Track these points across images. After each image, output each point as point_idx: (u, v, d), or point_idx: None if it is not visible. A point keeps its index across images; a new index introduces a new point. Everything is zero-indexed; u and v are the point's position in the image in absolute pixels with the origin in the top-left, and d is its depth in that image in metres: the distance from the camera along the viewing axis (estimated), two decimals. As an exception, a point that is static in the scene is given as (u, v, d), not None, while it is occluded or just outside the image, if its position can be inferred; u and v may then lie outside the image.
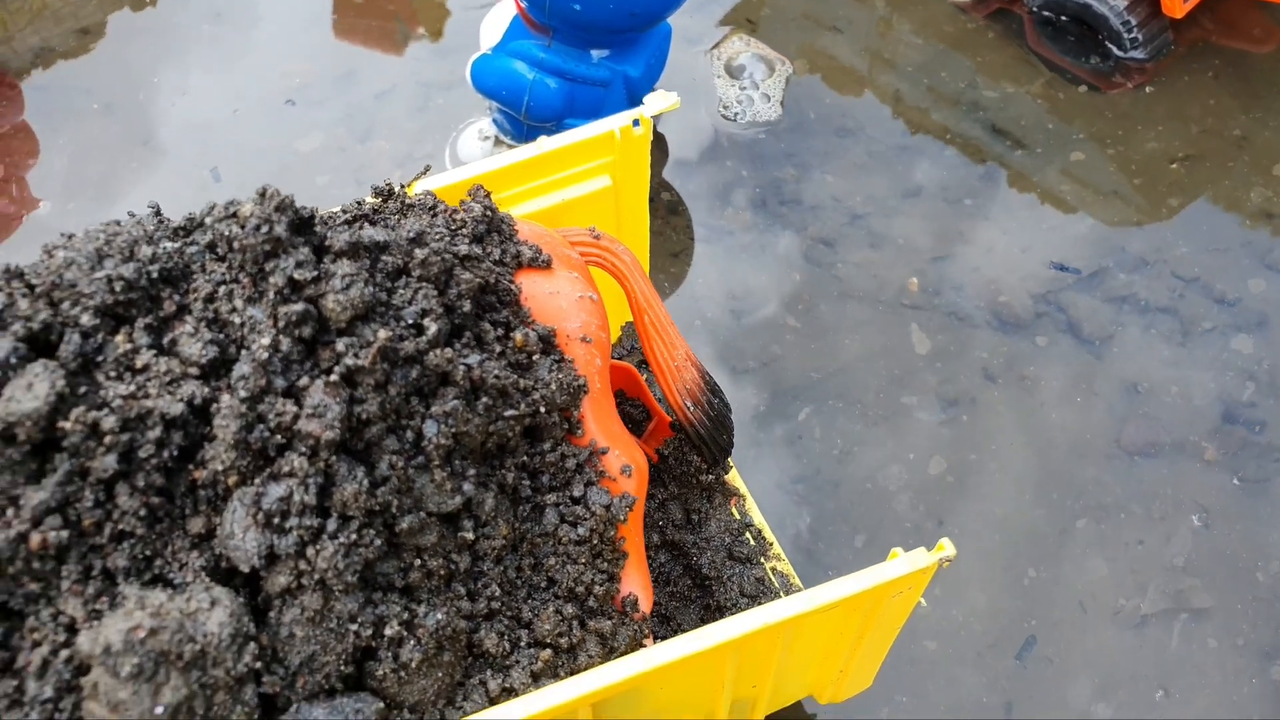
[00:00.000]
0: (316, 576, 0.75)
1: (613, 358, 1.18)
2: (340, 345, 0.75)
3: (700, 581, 1.19)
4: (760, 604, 1.02)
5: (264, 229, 0.75)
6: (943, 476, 1.55)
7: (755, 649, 0.94)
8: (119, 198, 1.90)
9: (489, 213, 0.95)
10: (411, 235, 0.84)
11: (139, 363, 0.76)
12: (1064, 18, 2.10)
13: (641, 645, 0.97)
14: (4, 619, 0.75)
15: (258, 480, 0.75)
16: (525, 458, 0.91)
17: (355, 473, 0.76)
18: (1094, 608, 1.44)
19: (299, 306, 0.74)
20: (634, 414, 1.25)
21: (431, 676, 0.82)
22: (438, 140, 1.97)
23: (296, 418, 0.74)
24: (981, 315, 1.72)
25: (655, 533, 1.19)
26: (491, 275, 0.90)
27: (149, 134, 1.99)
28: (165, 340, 0.78)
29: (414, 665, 0.80)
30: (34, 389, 0.72)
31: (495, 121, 1.88)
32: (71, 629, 0.75)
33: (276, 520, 0.74)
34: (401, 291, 0.81)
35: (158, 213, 0.89)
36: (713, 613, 1.17)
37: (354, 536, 0.76)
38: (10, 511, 0.73)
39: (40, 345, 0.77)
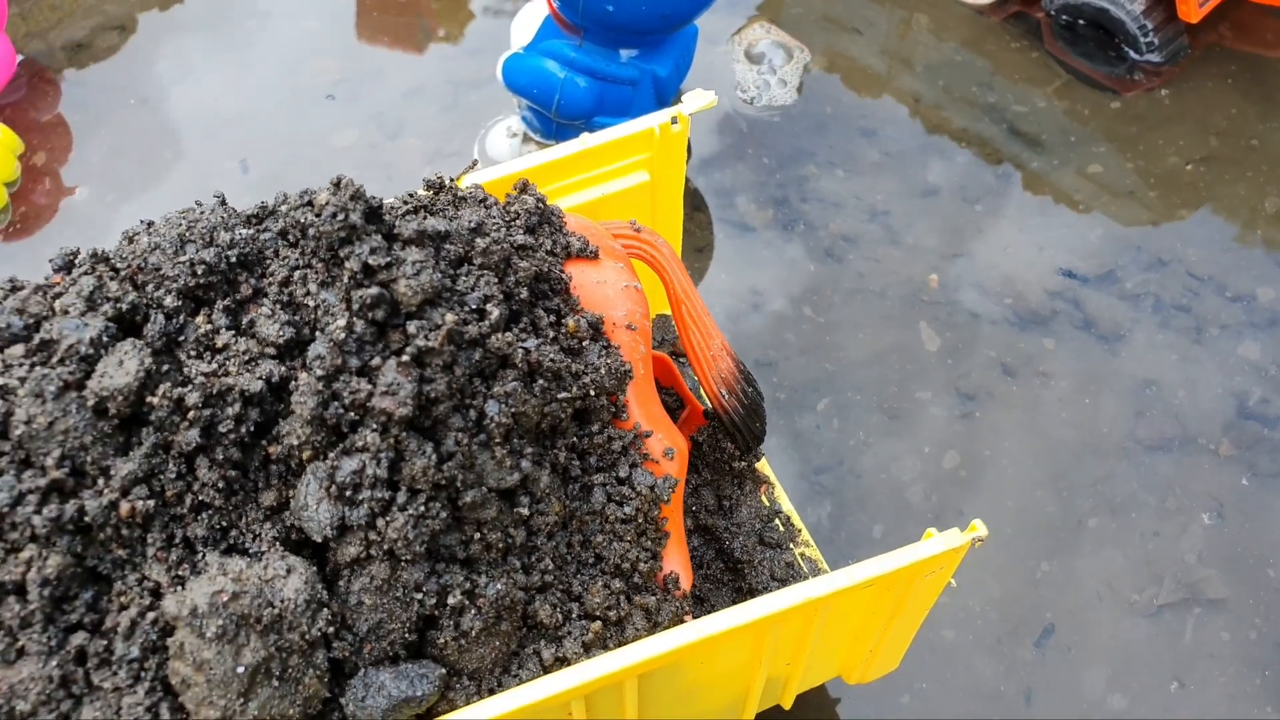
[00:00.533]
0: (385, 547, 0.80)
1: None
2: (411, 328, 0.79)
3: (732, 565, 1.23)
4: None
5: (340, 216, 0.79)
6: (956, 470, 1.59)
7: (793, 625, 0.98)
8: (150, 187, 1.94)
9: (541, 205, 0.99)
10: (472, 225, 0.88)
11: (219, 342, 0.80)
12: (1081, 21, 2.14)
13: (682, 621, 1.01)
14: (94, 583, 0.79)
15: (331, 455, 0.79)
16: (575, 439, 0.95)
17: (424, 448, 0.80)
18: (1110, 598, 1.47)
19: (373, 290, 0.78)
20: (669, 402, 1.29)
21: (490, 645, 0.86)
22: (466, 138, 2.01)
23: (370, 395, 0.78)
24: (998, 312, 1.76)
25: (689, 517, 1.23)
26: (544, 264, 0.94)
27: (180, 127, 2.03)
28: (243, 321, 0.82)
29: (474, 634, 0.84)
30: (124, 365, 0.76)
31: (524, 119, 1.92)
32: (156, 593, 0.79)
33: (349, 493, 0.78)
34: (464, 278, 0.86)
35: (223, 202, 0.93)
36: (744, 595, 1.21)
37: (422, 509, 0.80)
38: (102, 481, 0.77)
39: (126, 325, 0.81)
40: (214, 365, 0.79)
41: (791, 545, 1.27)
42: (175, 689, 0.77)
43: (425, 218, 0.88)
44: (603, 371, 0.94)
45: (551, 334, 0.92)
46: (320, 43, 2.19)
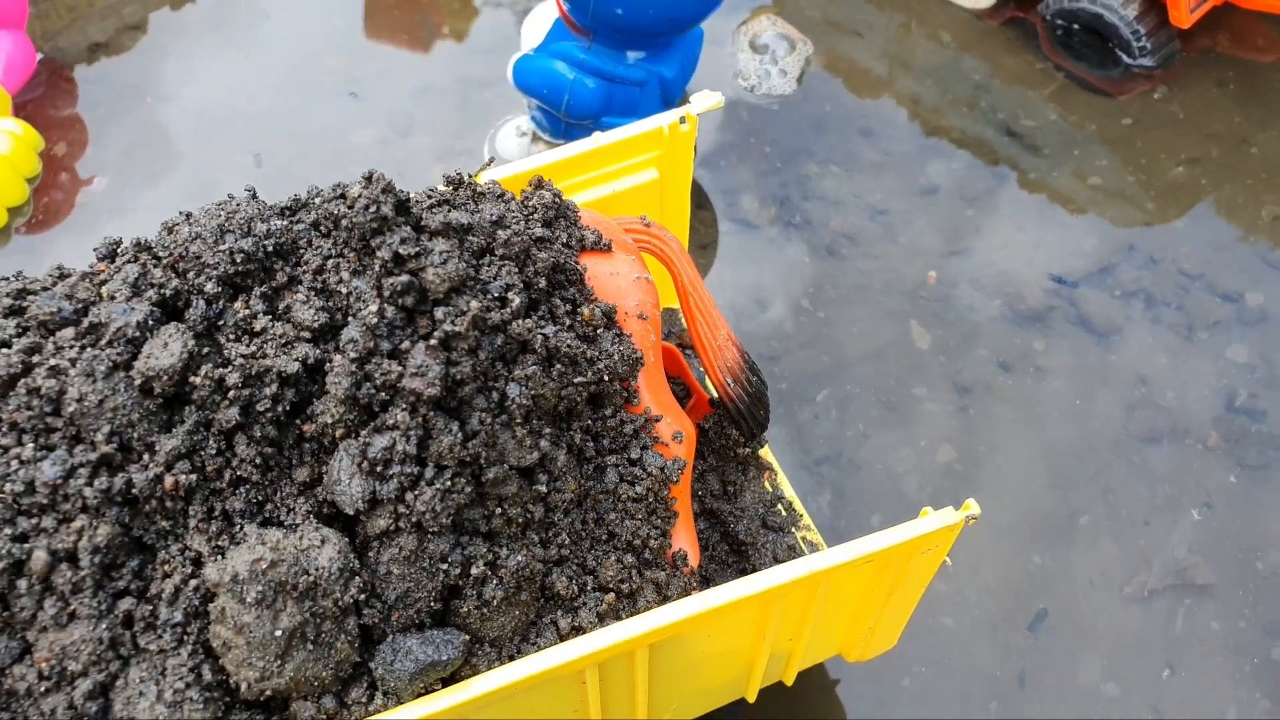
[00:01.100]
0: (414, 520, 0.84)
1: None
2: (439, 313, 0.84)
3: (736, 547, 1.28)
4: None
5: (372, 209, 0.84)
6: (952, 463, 1.63)
7: (796, 599, 1.03)
8: (164, 180, 1.99)
9: (558, 200, 1.04)
10: (494, 218, 0.93)
11: (257, 326, 0.85)
12: (1076, 26, 2.20)
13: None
14: (139, 552, 0.84)
15: (363, 433, 0.84)
16: (589, 422, 1.00)
17: (450, 427, 0.85)
18: (1103, 586, 1.51)
19: (404, 278, 0.83)
20: (677, 391, 1.34)
21: (510, 614, 0.91)
22: (476, 136, 2.06)
23: (400, 376, 0.83)
24: (995, 308, 1.81)
25: (695, 501, 1.28)
26: (561, 256, 0.99)
27: (192, 123, 2.08)
28: (279, 307, 0.87)
29: (495, 603, 0.89)
30: (169, 347, 0.81)
31: (533, 119, 1.97)
32: (197, 562, 0.84)
33: (380, 468, 0.83)
34: (487, 268, 0.90)
35: (254, 195, 0.98)
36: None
37: (448, 484, 0.85)
38: (147, 456, 0.82)
39: (169, 310, 0.86)
40: (252, 348, 0.84)
41: (793, 529, 1.32)
42: (216, 651, 0.82)
43: (450, 211, 0.93)
44: (616, 358, 0.99)
45: (568, 322, 0.97)
46: (329, 41, 2.24)
